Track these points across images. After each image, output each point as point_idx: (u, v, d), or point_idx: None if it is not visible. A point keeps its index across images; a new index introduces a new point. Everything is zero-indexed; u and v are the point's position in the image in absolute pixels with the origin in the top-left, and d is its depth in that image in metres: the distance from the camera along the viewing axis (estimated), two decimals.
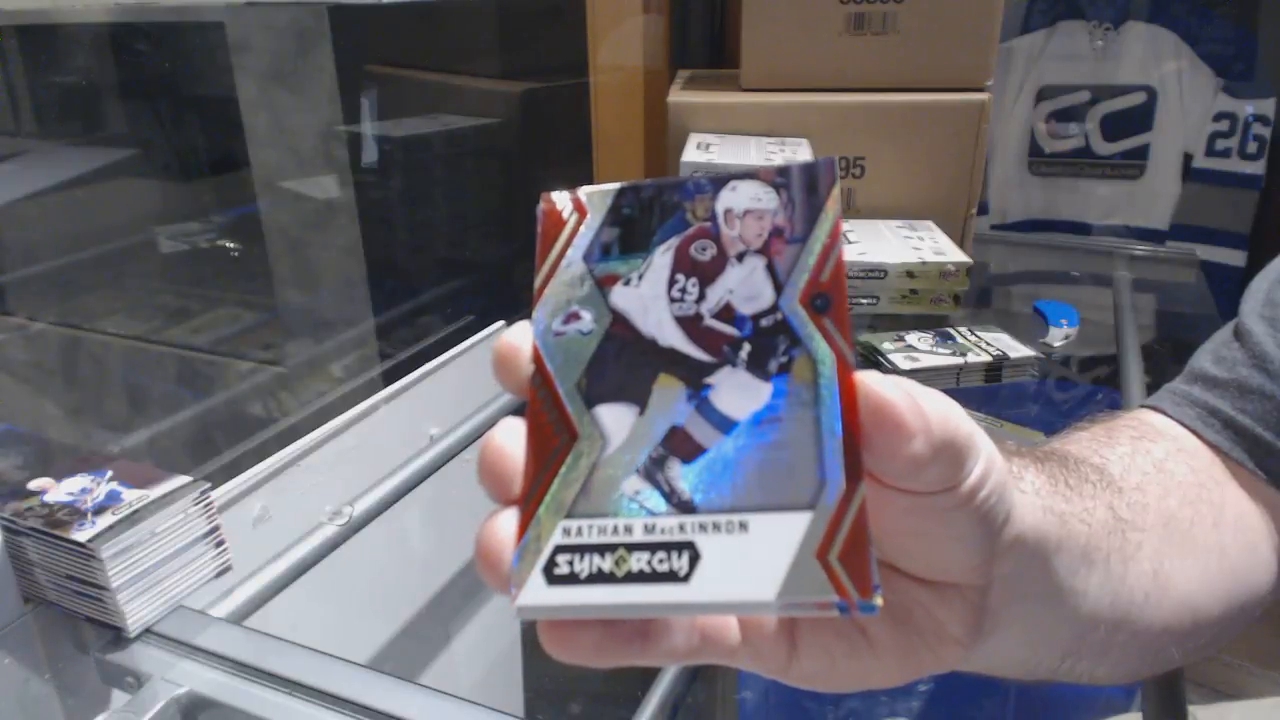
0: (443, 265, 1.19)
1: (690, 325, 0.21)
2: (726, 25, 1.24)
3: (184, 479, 0.48)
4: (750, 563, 0.19)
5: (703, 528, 0.19)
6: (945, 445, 0.20)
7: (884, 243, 0.88)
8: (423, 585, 0.82)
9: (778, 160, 0.84)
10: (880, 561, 0.21)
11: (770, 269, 0.21)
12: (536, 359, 0.21)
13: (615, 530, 0.20)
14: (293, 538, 0.56)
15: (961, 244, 0.92)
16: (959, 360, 0.76)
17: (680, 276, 0.22)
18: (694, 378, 0.21)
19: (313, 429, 0.66)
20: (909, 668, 0.24)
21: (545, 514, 0.20)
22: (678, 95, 0.97)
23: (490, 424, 0.72)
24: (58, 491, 0.47)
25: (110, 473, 0.48)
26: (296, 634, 0.45)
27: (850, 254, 0.86)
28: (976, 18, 0.92)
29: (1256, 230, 1.37)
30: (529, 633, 1.01)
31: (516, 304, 1.09)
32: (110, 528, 0.44)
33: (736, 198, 0.22)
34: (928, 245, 0.87)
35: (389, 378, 0.75)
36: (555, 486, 0.20)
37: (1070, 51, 1.41)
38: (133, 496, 0.46)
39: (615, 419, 0.20)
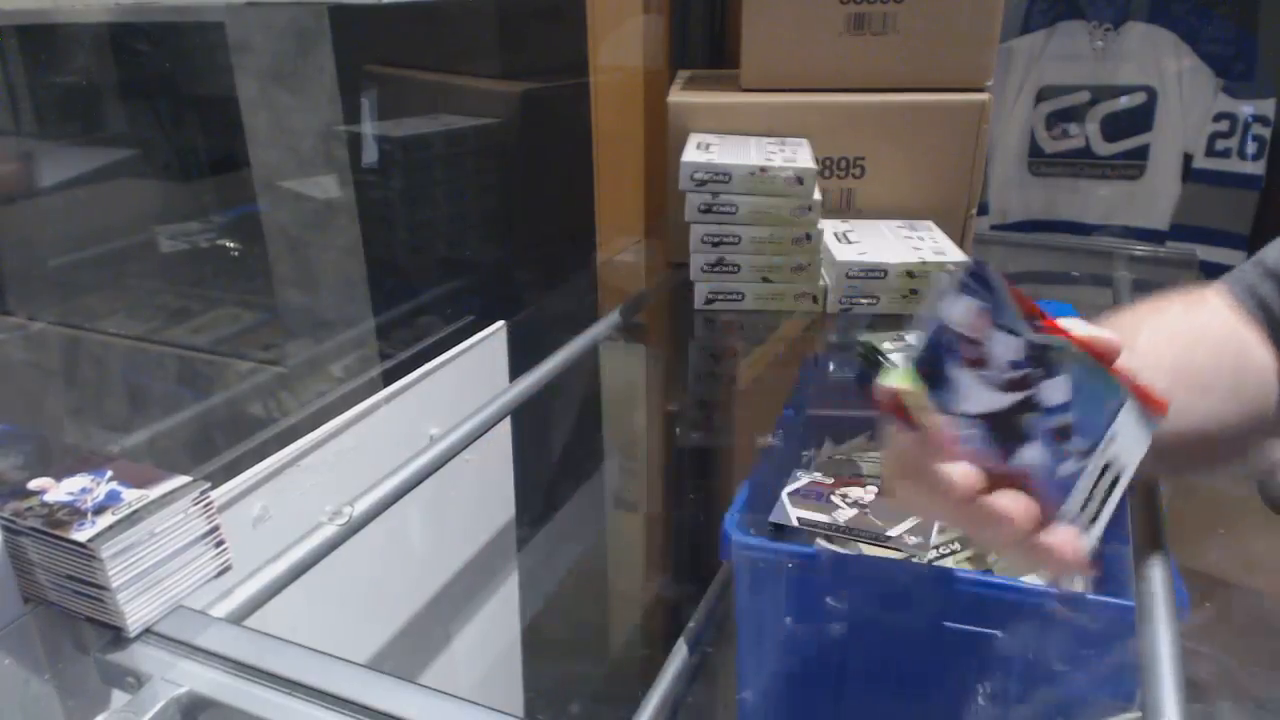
0: (443, 265, 1.19)
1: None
2: (726, 25, 1.24)
3: (184, 479, 0.48)
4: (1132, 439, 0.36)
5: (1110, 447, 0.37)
6: None
7: (884, 243, 0.88)
8: (423, 585, 0.82)
9: (777, 160, 0.84)
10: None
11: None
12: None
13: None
14: (292, 538, 0.56)
15: (961, 244, 0.92)
16: None
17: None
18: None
19: (313, 429, 0.66)
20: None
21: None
22: (678, 95, 0.97)
23: (490, 424, 0.72)
24: (58, 491, 0.47)
25: (110, 472, 0.48)
26: (296, 634, 0.45)
27: (850, 254, 0.86)
28: (976, 18, 0.92)
29: (1256, 231, 1.37)
30: (529, 633, 1.01)
31: (516, 304, 1.09)
32: (110, 528, 0.44)
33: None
34: (928, 245, 0.87)
35: (389, 378, 0.75)
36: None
37: (1070, 52, 1.41)
38: (133, 496, 0.46)
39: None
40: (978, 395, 0.34)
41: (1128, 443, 0.35)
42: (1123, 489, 0.36)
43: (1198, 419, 0.44)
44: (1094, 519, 0.35)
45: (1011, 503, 0.34)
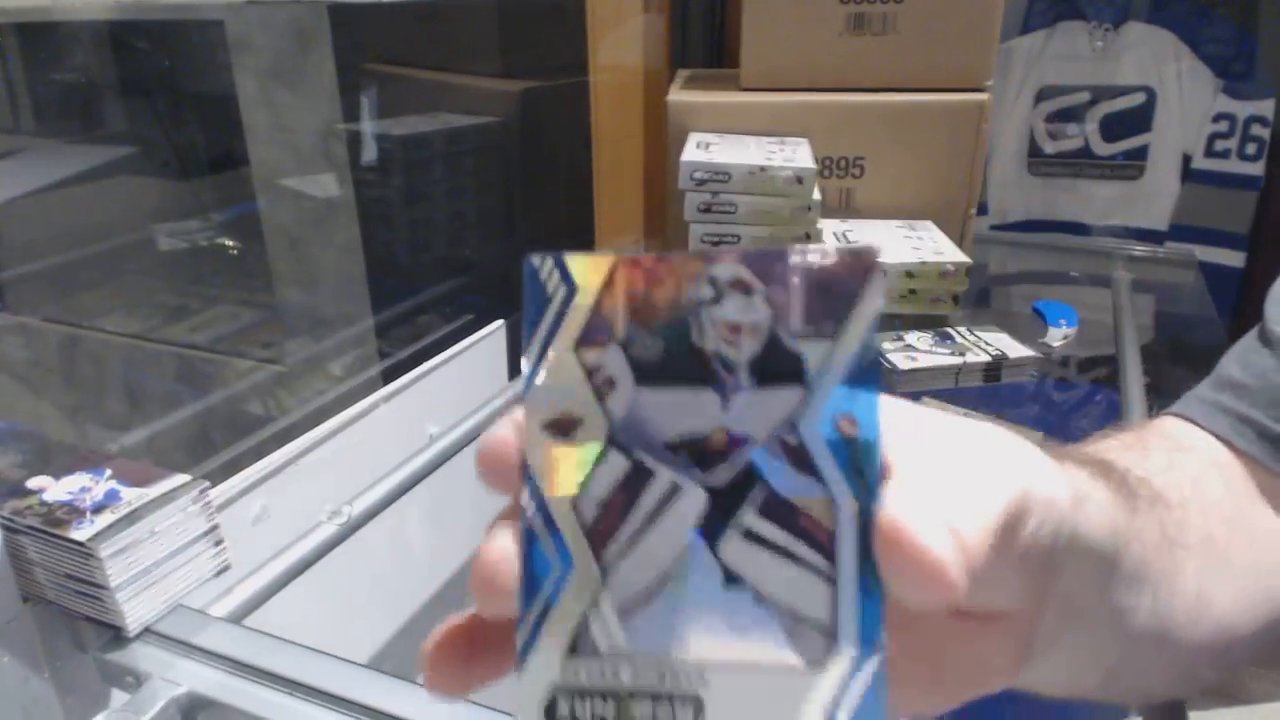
0: (442, 263, 1.19)
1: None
2: (726, 25, 1.24)
3: (183, 478, 0.48)
4: (759, 718, 0.18)
5: (709, 681, 0.18)
6: (986, 561, 0.18)
7: (883, 242, 0.88)
8: (422, 584, 0.82)
9: (777, 159, 0.84)
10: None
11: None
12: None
13: (618, 675, 0.18)
14: (292, 537, 0.56)
15: (961, 244, 0.92)
16: (958, 360, 0.76)
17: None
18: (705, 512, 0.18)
19: (312, 428, 0.66)
20: (939, 701, 0.23)
21: (546, 642, 0.18)
22: (678, 94, 0.97)
23: (489, 423, 0.72)
24: (57, 490, 0.46)
25: (109, 471, 0.48)
26: (295, 633, 0.45)
27: None
28: (976, 18, 0.92)
29: (1255, 231, 1.38)
30: None
31: (516, 303, 1.09)
32: (109, 527, 0.44)
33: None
34: (927, 245, 0.87)
35: (388, 376, 0.75)
36: (554, 615, 0.18)
37: (1070, 52, 1.41)
38: (132, 495, 0.46)
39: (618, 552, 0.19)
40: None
41: (759, 704, 0.18)
42: None
43: (1228, 616, 0.33)
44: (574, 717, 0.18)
45: (503, 561, 0.18)
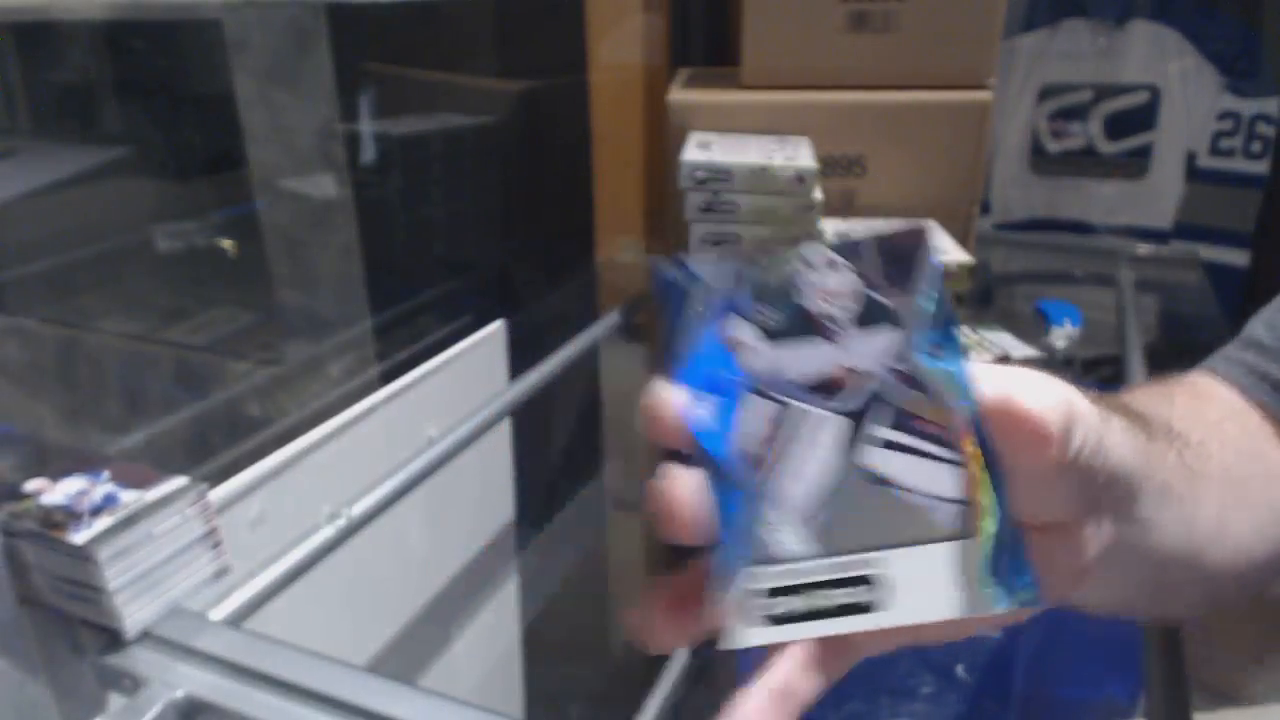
0: (441, 264, 1.19)
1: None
2: (727, 23, 1.23)
3: (181, 480, 0.47)
4: (926, 586, 0.23)
5: (875, 562, 0.23)
6: (1070, 441, 0.23)
7: None
8: (422, 587, 0.82)
9: (778, 159, 0.84)
10: None
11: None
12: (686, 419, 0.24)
13: (801, 574, 0.23)
14: (291, 539, 0.56)
15: (964, 243, 0.92)
16: None
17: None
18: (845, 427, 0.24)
19: (310, 429, 0.66)
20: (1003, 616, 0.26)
21: (736, 558, 0.23)
22: (678, 94, 0.97)
23: (489, 424, 0.71)
24: (54, 493, 0.46)
25: (107, 474, 0.48)
26: (295, 636, 0.45)
27: None
28: (978, 16, 0.91)
29: (1260, 230, 1.37)
30: (529, 634, 1.01)
31: (515, 303, 1.09)
32: (107, 530, 0.43)
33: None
34: None
35: (387, 377, 0.75)
36: (737, 535, 0.23)
37: (1073, 50, 1.40)
38: (130, 498, 0.46)
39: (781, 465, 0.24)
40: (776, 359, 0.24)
41: (922, 574, 0.23)
42: (857, 627, 0.23)
43: (1246, 541, 0.36)
44: (776, 615, 0.23)
45: (678, 488, 0.23)
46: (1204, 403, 0.40)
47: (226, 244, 1.05)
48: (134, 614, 0.45)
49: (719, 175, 0.83)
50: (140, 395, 0.99)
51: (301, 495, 0.62)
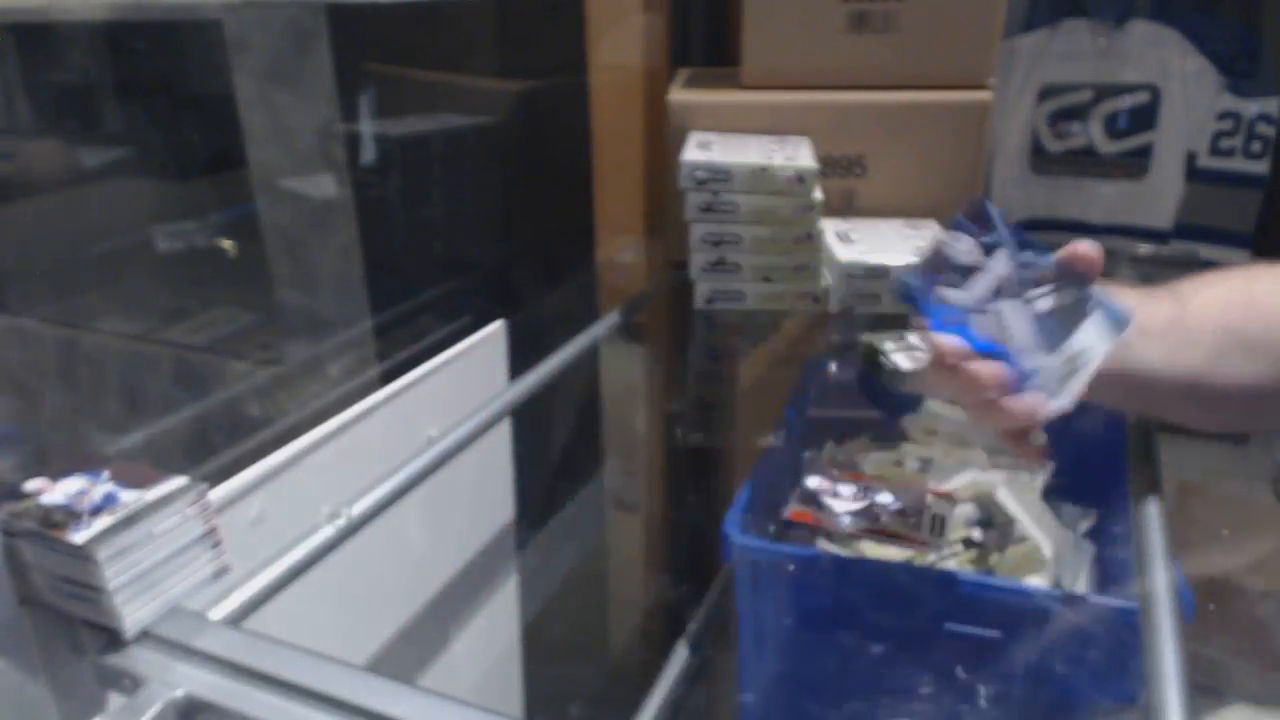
0: (441, 264, 1.19)
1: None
2: (727, 23, 1.23)
3: (181, 480, 0.47)
4: (1095, 339, 0.47)
5: (1073, 341, 0.48)
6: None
7: (886, 242, 0.88)
8: (421, 587, 0.82)
9: (778, 159, 0.84)
10: None
11: None
12: None
13: (1050, 365, 0.48)
14: (291, 539, 0.56)
15: None
16: None
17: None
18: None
19: (310, 429, 0.66)
20: None
21: (1027, 373, 0.48)
22: (678, 93, 0.96)
23: (489, 424, 0.71)
24: (54, 492, 0.46)
25: (107, 473, 0.48)
26: (295, 636, 0.45)
27: (852, 254, 0.85)
28: (978, 16, 0.91)
29: (1260, 230, 1.37)
30: (528, 634, 1.01)
31: (516, 303, 1.09)
32: (107, 529, 0.43)
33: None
34: None
35: (387, 377, 0.75)
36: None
37: (1073, 50, 1.40)
38: (130, 498, 0.46)
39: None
40: (967, 294, 0.48)
41: (1093, 339, 0.47)
42: (1086, 376, 0.47)
43: (1246, 379, 0.49)
44: (1057, 396, 0.47)
45: (984, 367, 0.46)
46: (1212, 277, 0.55)
47: (226, 244, 1.05)
48: (134, 614, 0.45)
49: (719, 175, 0.83)
50: (140, 395, 0.99)
51: (301, 495, 0.62)
